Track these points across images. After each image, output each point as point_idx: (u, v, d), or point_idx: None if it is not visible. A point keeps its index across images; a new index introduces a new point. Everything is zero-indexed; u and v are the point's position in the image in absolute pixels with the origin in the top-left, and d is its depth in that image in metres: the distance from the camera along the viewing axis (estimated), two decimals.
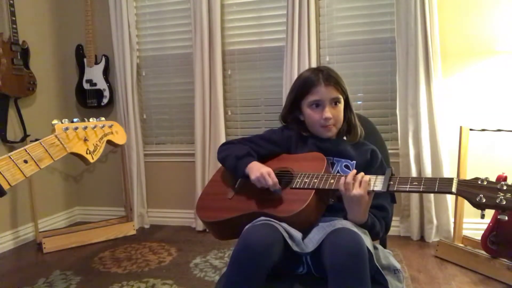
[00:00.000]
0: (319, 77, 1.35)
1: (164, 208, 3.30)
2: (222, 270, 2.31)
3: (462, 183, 1.04)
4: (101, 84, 3.20)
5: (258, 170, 1.28)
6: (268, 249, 1.09)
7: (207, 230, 2.73)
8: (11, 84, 2.78)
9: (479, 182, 1.02)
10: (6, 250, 2.84)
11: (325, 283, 1.07)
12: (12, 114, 2.91)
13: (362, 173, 1.18)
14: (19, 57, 2.84)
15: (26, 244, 2.95)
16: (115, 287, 2.17)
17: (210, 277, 2.24)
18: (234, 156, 1.37)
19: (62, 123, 1.02)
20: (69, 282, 2.26)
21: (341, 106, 1.38)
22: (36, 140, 0.95)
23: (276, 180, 1.26)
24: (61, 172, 3.38)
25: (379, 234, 1.28)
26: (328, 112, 1.34)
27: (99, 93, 3.21)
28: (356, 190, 1.15)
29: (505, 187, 0.98)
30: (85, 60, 3.21)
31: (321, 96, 1.35)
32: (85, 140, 1.05)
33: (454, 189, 1.03)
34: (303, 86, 1.38)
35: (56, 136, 0.98)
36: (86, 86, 3.21)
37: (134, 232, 3.07)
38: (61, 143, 0.98)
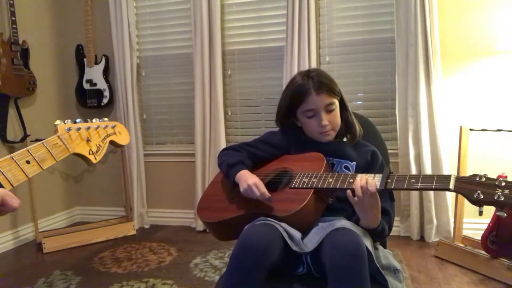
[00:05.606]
0: (310, 85, 1.32)
1: (164, 208, 3.30)
2: (222, 270, 2.31)
3: (460, 180, 1.03)
4: (101, 84, 3.20)
5: (245, 181, 1.27)
6: (268, 248, 1.09)
7: (207, 230, 2.73)
8: (11, 84, 2.78)
9: (477, 179, 1.01)
10: (6, 250, 2.84)
11: (325, 283, 1.07)
12: (12, 114, 2.91)
13: (365, 179, 1.15)
14: (19, 57, 2.84)
15: (26, 244, 2.95)
16: (115, 287, 2.17)
17: (210, 277, 2.24)
18: (226, 164, 1.38)
19: (64, 123, 1.02)
20: (69, 282, 2.26)
21: (337, 109, 1.37)
22: (36, 140, 0.94)
23: (263, 190, 1.24)
24: (61, 172, 3.38)
25: (385, 238, 1.29)
26: (324, 120, 1.33)
27: (99, 93, 3.21)
28: (367, 198, 1.14)
29: (503, 184, 0.97)
30: (85, 60, 3.21)
31: (314, 105, 1.32)
32: (88, 140, 1.05)
33: (451, 186, 1.02)
34: (296, 95, 1.35)
35: (58, 137, 0.98)
36: (86, 86, 3.21)
37: (134, 232, 3.07)
38: (63, 143, 0.98)
